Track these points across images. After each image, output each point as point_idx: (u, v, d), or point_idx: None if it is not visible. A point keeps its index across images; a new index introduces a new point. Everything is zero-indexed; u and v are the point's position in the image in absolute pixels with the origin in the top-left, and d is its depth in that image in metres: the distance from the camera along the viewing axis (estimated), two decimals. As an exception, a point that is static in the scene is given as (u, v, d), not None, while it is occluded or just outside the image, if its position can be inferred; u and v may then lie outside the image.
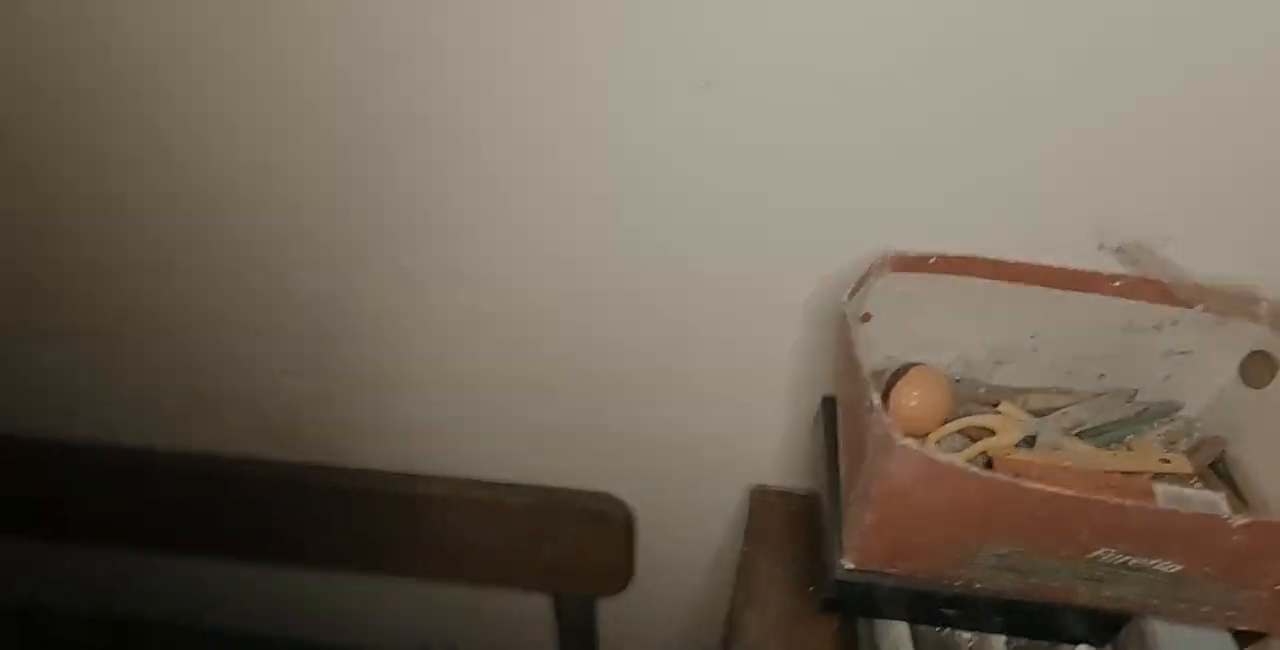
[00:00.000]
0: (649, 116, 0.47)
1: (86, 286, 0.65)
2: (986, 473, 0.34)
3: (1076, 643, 0.45)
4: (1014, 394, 0.52)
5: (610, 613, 0.84)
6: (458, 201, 0.54)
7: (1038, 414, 0.50)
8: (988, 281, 0.48)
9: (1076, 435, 0.49)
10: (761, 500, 0.66)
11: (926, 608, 0.44)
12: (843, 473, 0.45)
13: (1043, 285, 0.48)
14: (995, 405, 0.51)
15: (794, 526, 0.63)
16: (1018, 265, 0.47)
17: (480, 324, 0.61)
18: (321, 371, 0.68)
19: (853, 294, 0.44)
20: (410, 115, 0.50)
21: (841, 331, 0.44)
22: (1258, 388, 0.47)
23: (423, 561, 0.75)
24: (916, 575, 0.43)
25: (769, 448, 0.65)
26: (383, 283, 0.60)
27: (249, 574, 0.92)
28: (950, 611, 0.44)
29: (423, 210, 0.55)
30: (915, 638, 0.45)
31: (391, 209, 0.56)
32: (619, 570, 0.74)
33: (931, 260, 0.47)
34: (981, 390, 0.52)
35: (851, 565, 0.43)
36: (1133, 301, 0.47)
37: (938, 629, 0.46)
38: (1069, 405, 0.50)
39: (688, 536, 0.74)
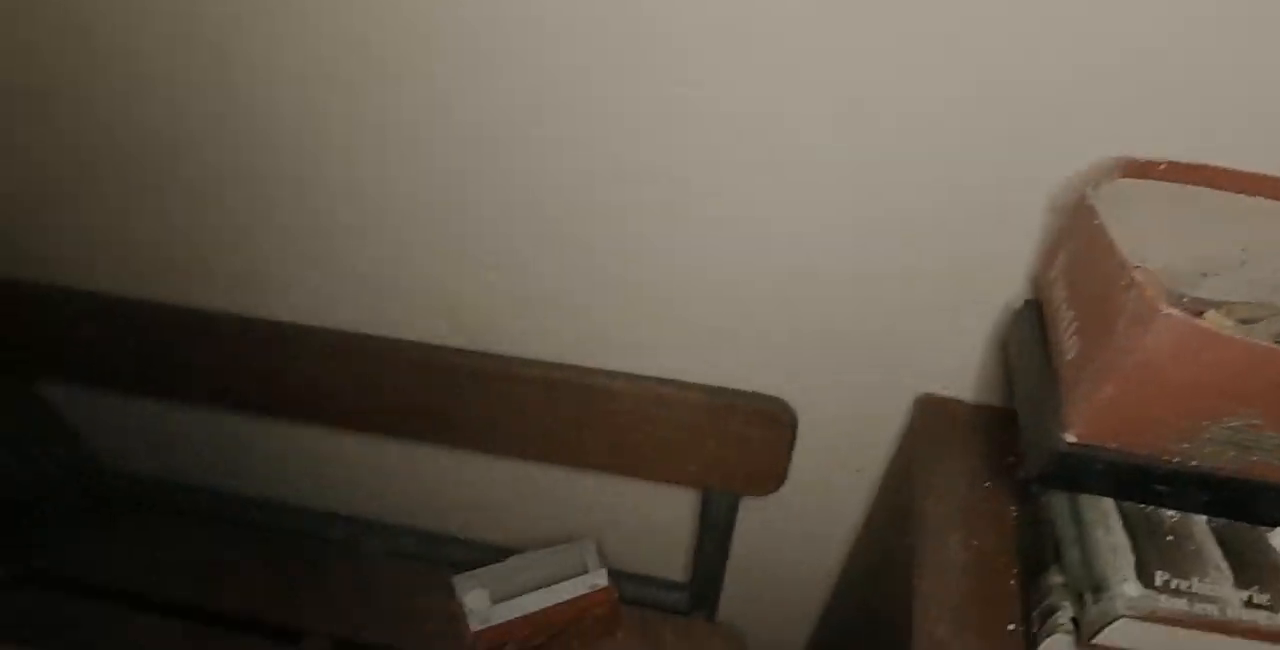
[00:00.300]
0: (905, 17, 0.50)
1: (307, 168, 0.71)
2: (1251, 339, 0.38)
3: (1275, 526, 0.48)
4: (1217, 306, 0.55)
5: (747, 512, 0.90)
6: (682, 107, 0.58)
7: (1244, 323, 0.53)
8: (1210, 191, 0.51)
9: (1282, 343, 0.52)
10: (929, 405, 0.70)
11: (1139, 484, 0.48)
12: (1071, 355, 0.48)
13: (1268, 197, 0.50)
14: (1198, 315, 0.54)
15: (963, 432, 0.67)
16: (1248, 175, 0.49)
17: (682, 226, 0.66)
18: (521, 268, 0.73)
19: (1094, 188, 0.47)
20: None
21: (1086, 220, 0.47)
22: None
23: (592, 452, 0.81)
24: (1136, 450, 0.46)
25: (940, 357, 0.68)
26: (595, 179, 0.65)
27: (404, 463, 1.01)
28: (1162, 488, 0.47)
29: (639, 111, 0.59)
30: (1121, 514, 0.49)
31: (605, 111, 0.60)
32: (774, 471, 0.79)
33: (1162, 166, 0.50)
34: (1184, 300, 0.55)
35: (1074, 439, 0.47)
36: (1357, 215, 0.49)
37: (1141, 506, 0.50)
38: (1275, 316, 0.53)
39: (841, 443, 0.78)
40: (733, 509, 0.87)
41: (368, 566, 1.05)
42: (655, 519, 0.97)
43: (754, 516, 0.90)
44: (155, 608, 1.01)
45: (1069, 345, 0.49)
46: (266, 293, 0.83)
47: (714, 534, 0.91)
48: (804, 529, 0.92)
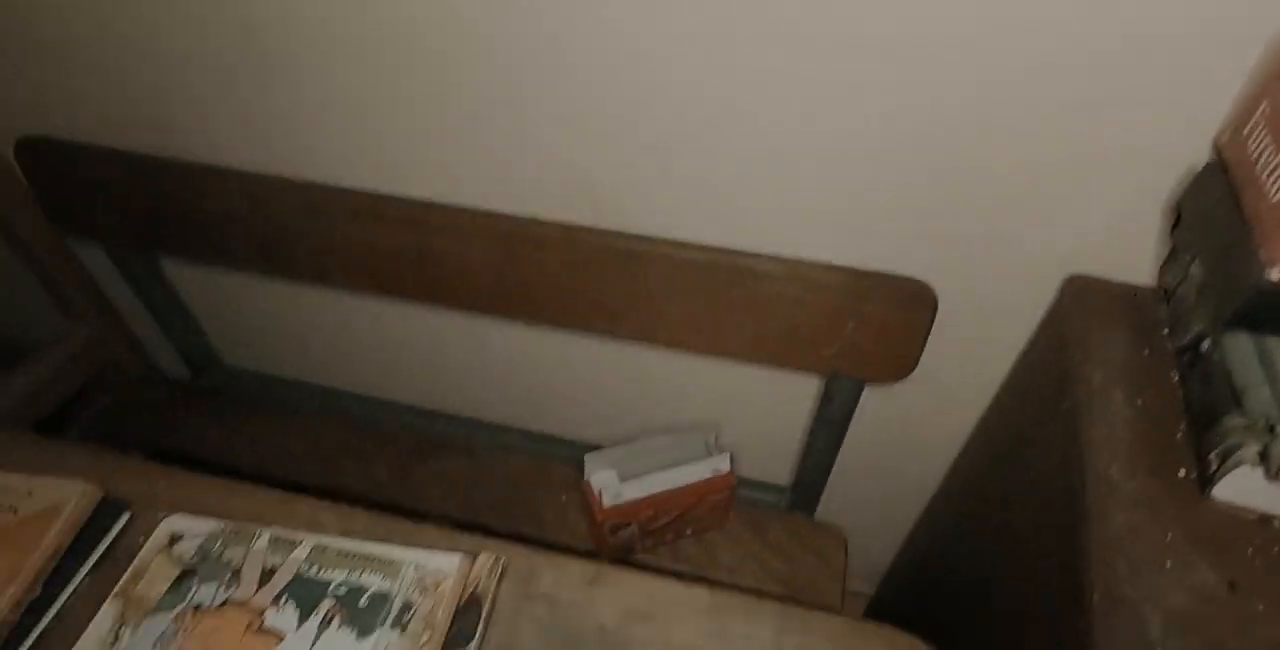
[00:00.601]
0: None
1: (451, 41, 0.73)
2: None
3: None
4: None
5: (862, 407, 0.92)
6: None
7: None
8: None
9: None
10: (1079, 284, 0.71)
11: (1338, 322, 0.49)
12: (1277, 197, 0.49)
13: None
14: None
15: (1116, 307, 0.69)
16: None
17: (829, 106, 0.67)
18: (670, 148, 0.75)
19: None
20: None
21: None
22: None
23: (728, 336, 0.83)
24: (1341, 288, 0.48)
25: (1094, 234, 0.69)
26: (746, 53, 0.65)
27: (519, 353, 1.04)
28: (1361, 326, 0.49)
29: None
30: (1311, 354, 0.51)
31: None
32: (908, 356, 0.81)
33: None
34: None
35: (1278, 277, 0.48)
36: None
37: (1331, 349, 0.51)
38: None
39: (978, 328, 0.80)
40: (854, 400, 0.89)
41: (482, 457, 1.09)
42: (767, 419, 1.00)
43: (869, 411, 0.92)
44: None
45: (1272, 188, 0.50)
46: (402, 169, 0.86)
47: (828, 429, 0.94)
48: (919, 424, 0.94)
